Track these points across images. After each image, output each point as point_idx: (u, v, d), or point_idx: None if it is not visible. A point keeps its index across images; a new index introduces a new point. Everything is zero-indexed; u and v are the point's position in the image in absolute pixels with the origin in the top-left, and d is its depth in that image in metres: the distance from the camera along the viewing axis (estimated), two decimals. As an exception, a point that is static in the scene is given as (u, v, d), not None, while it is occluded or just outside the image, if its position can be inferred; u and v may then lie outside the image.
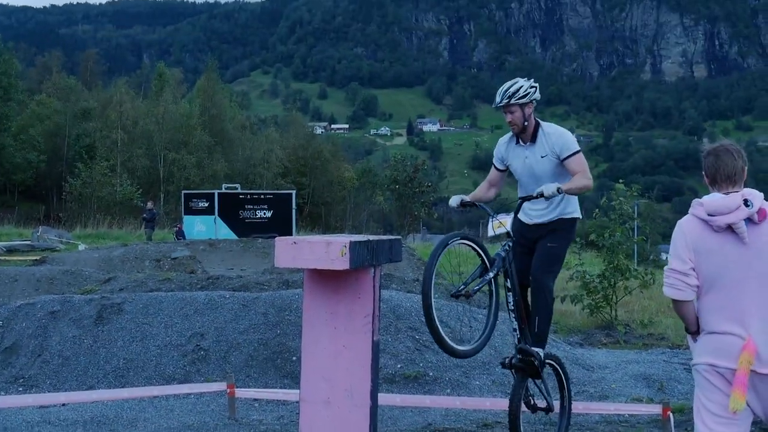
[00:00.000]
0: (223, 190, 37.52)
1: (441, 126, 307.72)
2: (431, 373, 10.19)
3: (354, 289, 5.42)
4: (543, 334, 6.37)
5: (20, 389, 10.33)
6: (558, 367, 6.62)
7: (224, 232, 33.98)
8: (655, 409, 8.03)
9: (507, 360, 6.35)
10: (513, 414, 6.20)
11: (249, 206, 35.22)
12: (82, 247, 31.15)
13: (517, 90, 6.43)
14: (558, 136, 6.48)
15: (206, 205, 35.28)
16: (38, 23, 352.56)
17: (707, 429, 4.53)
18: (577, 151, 6.46)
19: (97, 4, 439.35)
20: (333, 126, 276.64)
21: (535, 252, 6.40)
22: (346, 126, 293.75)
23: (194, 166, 65.76)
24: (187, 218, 35.69)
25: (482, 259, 5.96)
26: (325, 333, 5.40)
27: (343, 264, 5.05)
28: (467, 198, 6.61)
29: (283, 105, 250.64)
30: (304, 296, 5.49)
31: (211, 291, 12.95)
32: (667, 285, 4.55)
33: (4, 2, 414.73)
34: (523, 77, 6.51)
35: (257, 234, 31.72)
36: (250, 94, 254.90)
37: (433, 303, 5.42)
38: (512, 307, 6.27)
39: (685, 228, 4.54)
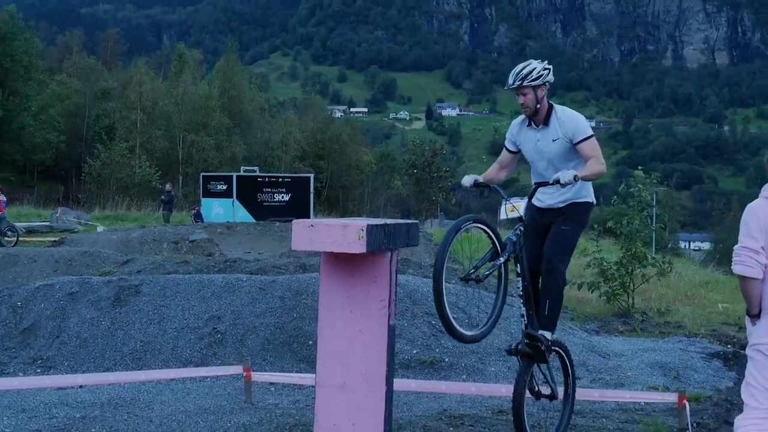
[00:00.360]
0: (242, 173, 37.52)
1: (460, 111, 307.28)
2: (447, 359, 10.19)
3: (370, 272, 5.41)
4: (553, 317, 6.35)
5: (38, 370, 10.38)
6: (563, 354, 6.59)
7: (242, 215, 34.02)
8: (671, 398, 8.00)
9: (513, 346, 6.28)
10: (517, 401, 6.11)
11: (267, 189, 35.22)
12: (100, 228, 31.29)
13: (530, 72, 6.33)
14: (571, 120, 6.43)
15: (224, 187, 35.31)
16: (59, 2, 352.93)
17: (757, 403, 4.64)
18: (591, 136, 6.42)
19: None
20: (352, 109, 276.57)
21: (548, 235, 6.38)
22: (365, 109, 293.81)
23: (213, 148, 65.79)
24: (205, 201, 35.76)
25: (493, 243, 5.92)
26: (341, 317, 5.40)
27: (359, 247, 5.04)
28: (480, 178, 6.54)
29: (302, 88, 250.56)
30: (321, 280, 5.49)
31: (228, 274, 12.98)
32: (737, 262, 4.66)
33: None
34: (542, 61, 6.44)
35: (275, 217, 31.75)
36: (269, 77, 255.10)
37: (444, 288, 5.37)
38: (521, 293, 6.24)
39: (758, 209, 4.69)
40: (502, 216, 6.37)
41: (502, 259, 5.87)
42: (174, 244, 23.20)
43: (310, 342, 10.26)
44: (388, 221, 5.73)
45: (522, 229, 6.15)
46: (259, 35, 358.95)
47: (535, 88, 6.34)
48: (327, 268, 5.49)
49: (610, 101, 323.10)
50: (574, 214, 6.44)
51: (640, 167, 16.91)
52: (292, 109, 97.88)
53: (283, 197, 35.07)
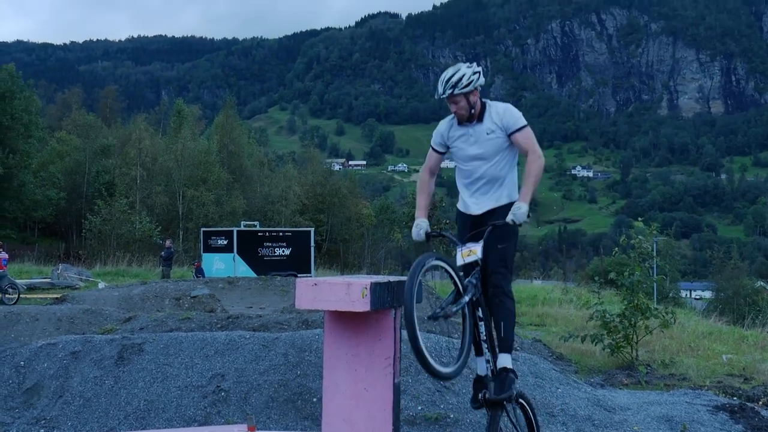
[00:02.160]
0: (242, 228, 37.57)
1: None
2: (452, 415, 10.15)
3: (375, 330, 5.43)
4: (510, 339, 6.23)
5: (42, 431, 10.33)
6: (526, 405, 6.48)
7: (243, 269, 34.04)
8: (678, 452, 7.97)
9: (481, 395, 6.14)
10: None
11: (268, 244, 35.28)
12: (101, 284, 31.25)
13: (460, 79, 6.14)
14: (504, 110, 6.29)
15: (225, 242, 35.35)
16: (58, 60, 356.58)
17: None
18: (525, 126, 6.24)
19: (117, 41, 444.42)
20: (350, 162, 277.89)
21: (488, 257, 6.11)
22: (364, 162, 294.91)
23: (213, 203, 65.90)
24: (206, 256, 35.77)
25: (455, 284, 5.87)
26: (345, 375, 5.41)
27: (363, 306, 5.07)
28: (428, 227, 6.33)
29: (300, 141, 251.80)
30: (325, 338, 5.50)
31: (231, 331, 12.96)
32: None
33: (25, 39, 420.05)
34: (470, 65, 6.35)
35: (276, 272, 31.80)
36: (267, 131, 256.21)
37: (417, 326, 5.27)
38: (484, 338, 6.10)
39: None
40: (459, 262, 6.10)
41: (466, 298, 5.78)
42: (176, 300, 23.15)
43: (315, 399, 10.22)
44: (392, 279, 5.76)
45: (480, 272, 6.03)
46: (257, 90, 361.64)
47: (467, 95, 6.18)
48: (331, 326, 5.51)
49: (607, 151, 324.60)
50: (508, 226, 6.12)
51: (640, 218, 16.98)
52: (291, 162, 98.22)
53: (284, 251, 35.11)
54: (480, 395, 6.15)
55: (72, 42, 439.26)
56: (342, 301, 5.14)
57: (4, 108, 64.17)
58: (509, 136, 6.22)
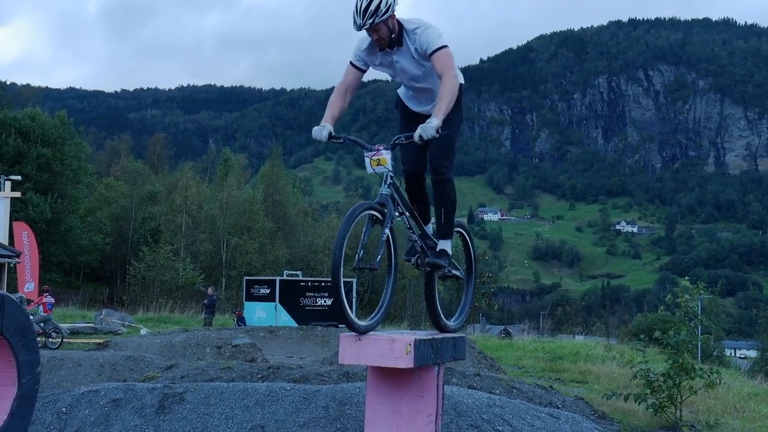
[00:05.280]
0: (285, 277, 37.67)
1: (502, 215, 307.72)
2: (492, 472, 10.04)
3: (418, 387, 5.40)
4: (450, 224, 6.29)
5: (81, 477, 10.35)
6: (464, 233, 6.68)
7: (284, 318, 34.07)
8: None
9: (414, 261, 6.33)
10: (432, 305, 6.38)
11: (309, 294, 35.32)
12: (144, 331, 31.42)
13: (378, 5, 5.66)
14: (421, 33, 5.86)
15: (267, 291, 35.45)
16: (109, 107, 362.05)
17: None
18: (444, 46, 5.83)
19: (167, 89, 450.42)
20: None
21: (431, 142, 5.87)
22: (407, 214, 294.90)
23: (256, 252, 66.22)
24: (248, 304, 35.89)
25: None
26: (387, 431, 5.37)
27: (407, 362, 5.05)
28: (332, 128, 5.94)
29: (345, 192, 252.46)
30: (367, 393, 5.47)
31: (272, 382, 12.95)
32: None
33: (77, 86, 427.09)
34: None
35: (317, 322, 31.78)
36: (312, 180, 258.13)
37: (341, 271, 5.49)
38: (409, 225, 6.10)
39: None
40: (369, 170, 5.93)
41: (386, 231, 5.67)
42: (217, 349, 23.19)
43: (354, 453, 10.16)
44: (436, 335, 5.74)
45: (392, 177, 5.88)
46: (303, 140, 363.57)
47: (386, 21, 5.75)
48: (374, 381, 5.49)
49: (652, 207, 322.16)
50: (451, 112, 5.86)
51: (686, 277, 16.79)
52: (335, 212, 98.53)
53: (325, 301, 35.13)
54: (414, 258, 6.34)
55: (123, 90, 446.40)
56: (386, 357, 5.13)
57: (55, 154, 65.33)
58: (429, 57, 5.85)
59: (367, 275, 5.79)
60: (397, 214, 5.91)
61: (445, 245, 6.27)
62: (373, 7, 5.63)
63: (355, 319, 5.37)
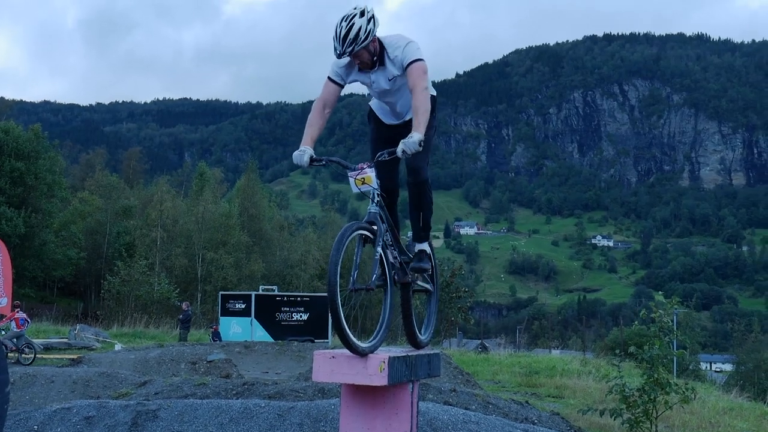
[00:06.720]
0: (260, 292, 37.53)
1: (478, 229, 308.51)
2: (468, 489, 10.00)
3: (392, 404, 5.37)
4: (427, 227, 6.37)
5: (52, 496, 10.23)
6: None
7: (260, 334, 33.88)
8: None
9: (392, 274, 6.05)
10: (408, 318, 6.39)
11: (285, 308, 35.13)
12: (118, 346, 31.19)
13: (358, 33, 5.61)
14: (400, 51, 5.83)
15: (243, 306, 35.25)
16: (84, 121, 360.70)
17: None
18: (417, 60, 5.79)
19: (142, 103, 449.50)
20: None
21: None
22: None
23: (232, 267, 66.00)
24: (223, 319, 35.67)
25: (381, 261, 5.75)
26: (361, 450, 5.34)
27: (381, 380, 5.03)
28: (312, 152, 5.85)
29: (321, 205, 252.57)
30: (341, 411, 5.45)
31: (246, 399, 12.86)
32: None
33: (52, 100, 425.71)
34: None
35: (293, 337, 31.66)
36: (288, 194, 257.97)
37: (339, 299, 5.35)
38: (391, 242, 6.01)
39: None
40: (354, 189, 5.94)
41: (378, 249, 5.61)
42: (192, 365, 23.04)
43: (329, 470, 10.10)
44: (410, 352, 5.71)
45: (379, 194, 5.86)
46: (279, 154, 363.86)
47: (366, 46, 5.71)
48: (348, 399, 5.45)
49: (627, 221, 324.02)
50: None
51: (660, 291, 16.87)
52: (311, 227, 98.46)
53: (301, 316, 34.95)
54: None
55: (98, 103, 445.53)
56: (359, 374, 5.09)
57: (29, 167, 64.86)
58: (405, 69, 5.81)
59: (363, 296, 5.67)
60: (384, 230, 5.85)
61: (423, 247, 6.32)
62: (352, 35, 5.59)
63: (358, 342, 5.29)
